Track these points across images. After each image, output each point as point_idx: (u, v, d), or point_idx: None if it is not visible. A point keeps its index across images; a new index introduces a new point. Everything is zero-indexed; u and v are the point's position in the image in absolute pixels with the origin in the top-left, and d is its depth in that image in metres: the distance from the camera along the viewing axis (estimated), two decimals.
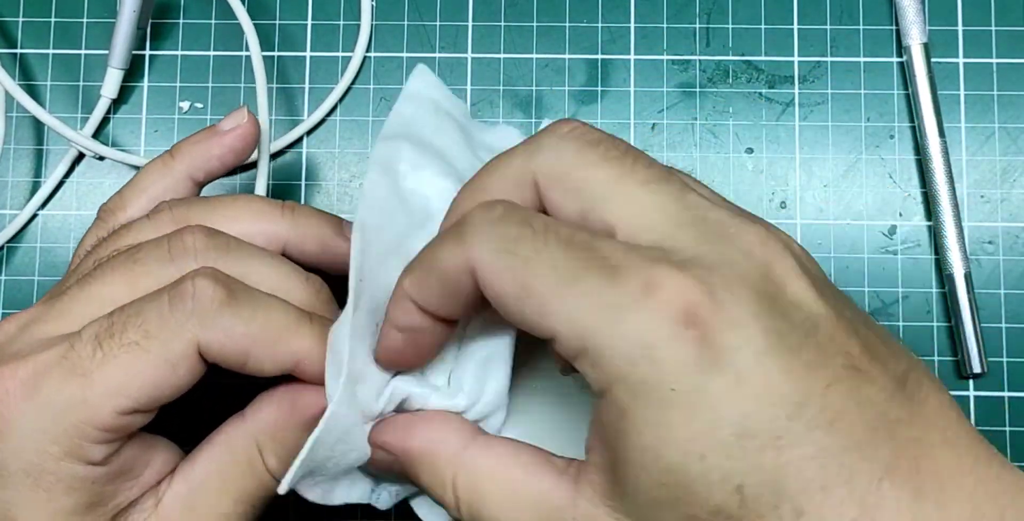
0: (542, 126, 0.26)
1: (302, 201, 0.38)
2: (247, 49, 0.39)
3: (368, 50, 0.39)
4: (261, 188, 0.36)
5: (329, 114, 0.39)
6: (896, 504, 0.20)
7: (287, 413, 0.27)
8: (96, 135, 0.38)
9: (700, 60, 0.39)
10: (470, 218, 0.23)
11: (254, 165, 0.37)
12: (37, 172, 0.39)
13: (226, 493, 0.27)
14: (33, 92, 0.37)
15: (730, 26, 0.39)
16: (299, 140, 0.38)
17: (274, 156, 0.38)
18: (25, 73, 0.39)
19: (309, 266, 0.29)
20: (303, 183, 0.38)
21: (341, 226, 0.30)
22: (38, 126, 0.39)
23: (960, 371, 0.37)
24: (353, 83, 0.39)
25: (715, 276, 0.21)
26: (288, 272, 0.28)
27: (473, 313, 0.26)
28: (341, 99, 0.39)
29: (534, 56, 0.39)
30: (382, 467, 0.27)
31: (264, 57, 0.39)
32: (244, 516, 0.27)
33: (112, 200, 0.32)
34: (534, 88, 0.39)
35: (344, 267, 0.26)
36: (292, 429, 0.27)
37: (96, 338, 0.25)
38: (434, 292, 0.24)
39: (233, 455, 0.27)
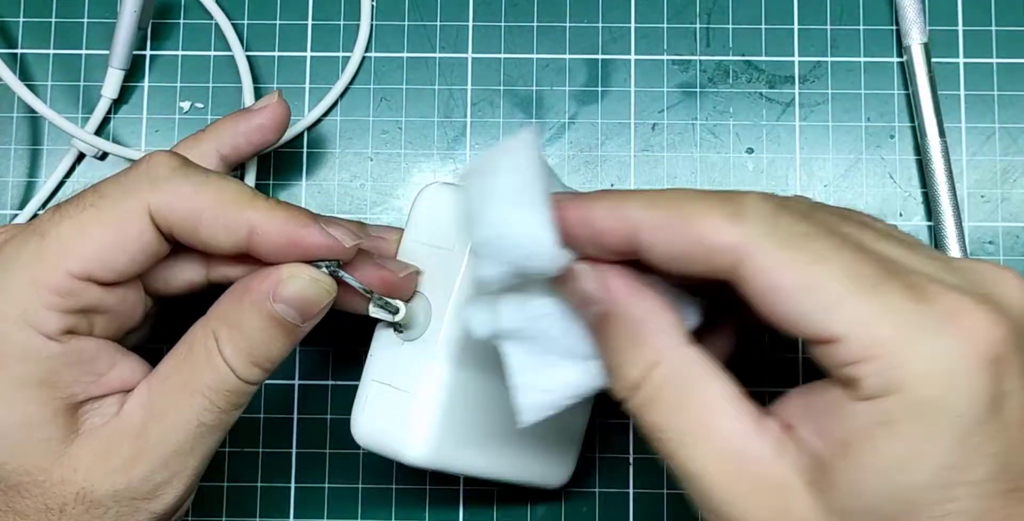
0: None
1: (302, 201, 0.38)
2: (247, 49, 0.39)
3: (369, 50, 0.39)
4: (250, 183, 0.36)
5: (327, 114, 0.39)
6: None
7: (239, 296, 0.27)
8: (97, 135, 0.38)
9: (700, 60, 0.39)
10: (749, 200, 0.22)
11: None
12: (37, 172, 0.39)
13: (183, 387, 0.27)
14: (33, 92, 0.37)
15: (730, 26, 0.39)
16: (298, 139, 0.38)
17: (274, 156, 0.38)
18: (25, 73, 0.39)
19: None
20: (303, 183, 0.38)
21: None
22: (38, 126, 0.39)
23: None
24: (352, 83, 0.39)
25: (1009, 318, 0.22)
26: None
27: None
28: (339, 99, 0.39)
29: (534, 56, 0.39)
30: (566, 287, 0.24)
31: (264, 57, 0.39)
32: (202, 412, 0.27)
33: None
34: (534, 88, 0.39)
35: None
36: (244, 311, 0.27)
37: (57, 206, 0.27)
38: (661, 243, 0.22)
39: (192, 348, 0.27)
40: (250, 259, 0.28)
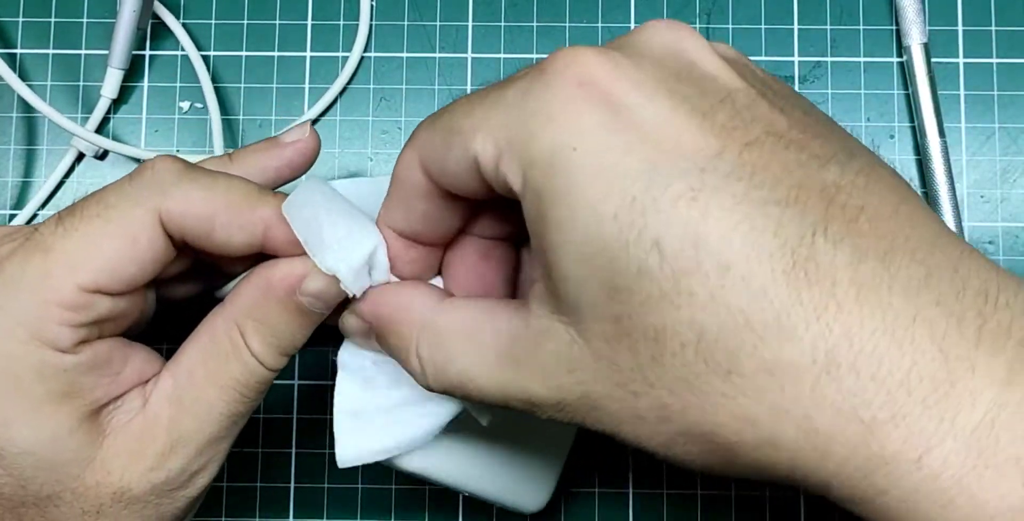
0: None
1: None
2: (247, 49, 0.39)
3: (369, 50, 0.39)
4: None
5: (325, 113, 0.39)
6: (832, 259, 0.19)
7: (263, 290, 0.27)
8: (96, 135, 0.38)
9: None
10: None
11: None
12: (37, 172, 0.39)
13: (211, 381, 0.27)
14: (33, 92, 0.37)
15: (730, 26, 0.39)
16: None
17: None
18: (25, 73, 0.39)
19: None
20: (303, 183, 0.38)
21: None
22: (38, 125, 0.39)
23: None
24: (350, 83, 0.39)
25: (617, 52, 0.21)
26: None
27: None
28: (338, 98, 0.39)
29: (534, 56, 0.39)
30: (359, 335, 0.27)
31: (264, 57, 0.39)
32: (232, 404, 0.27)
33: None
34: None
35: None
36: (271, 306, 0.27)
37: (58, 217, 0.26)
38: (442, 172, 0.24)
39: (215, 342, 0.27)
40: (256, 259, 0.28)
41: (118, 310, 0.26)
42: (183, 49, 0.38)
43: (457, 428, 0.30)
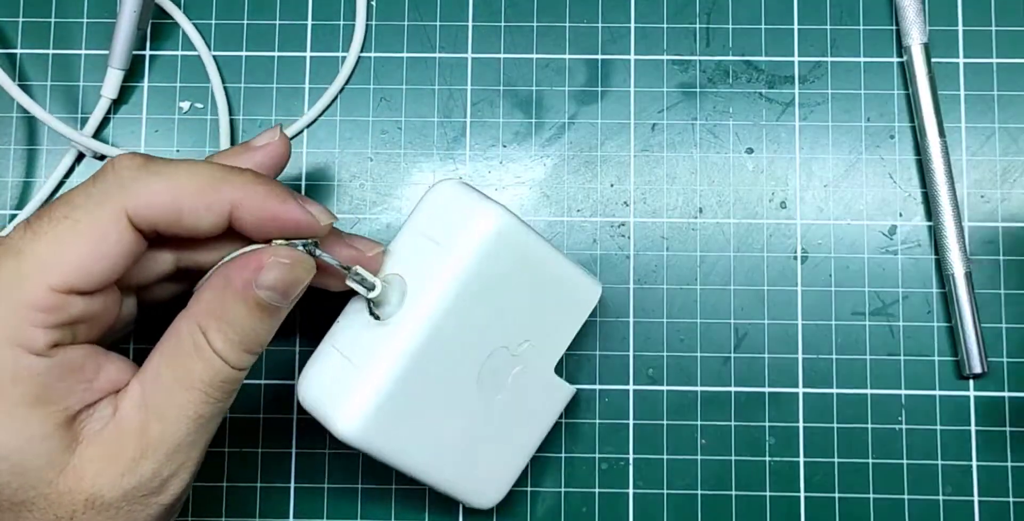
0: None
1: None
2: (247, 49, 0.39)
3: (367, 50, 0.39)
4: None
5: (323, 113, 0.39)
6: None
7: (222, 287, 0.27)
8: (96, 135, 0.38)
9: (700, 60, 0.39)
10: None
11: None
12: (37, 172, 0.39)
13: (177, 384, 0.27)
14: (33, 93, 0.37)
15: (730, 26, 0.39)
16: (298, 139, 0.38)
17: None
18: (25, 73, 0.39)
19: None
20: (303, 183, 0.38)
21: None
22: (38, 126, 0.39)
23: (960, 371, 0.37)
24: (349, 83, 0.39)
25: None
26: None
27: None
28: (337, 99, 0.39)
29: (534, 56, 0.39)
30: None
31: (265, 57, 0.39)
32: (199, 405, 0.27)
33: None
34: (534, 88, 0.39)
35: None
36: (230, 302, 0.27)
37: (27, 223, 0.26)
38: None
39: (179, 343, 0.27)
40: (221, 241, 0.28)
41: (92, 311, 0.27)
42: (185, 48, 0.38)
43: (424, 419, 0.30)
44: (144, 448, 0.27)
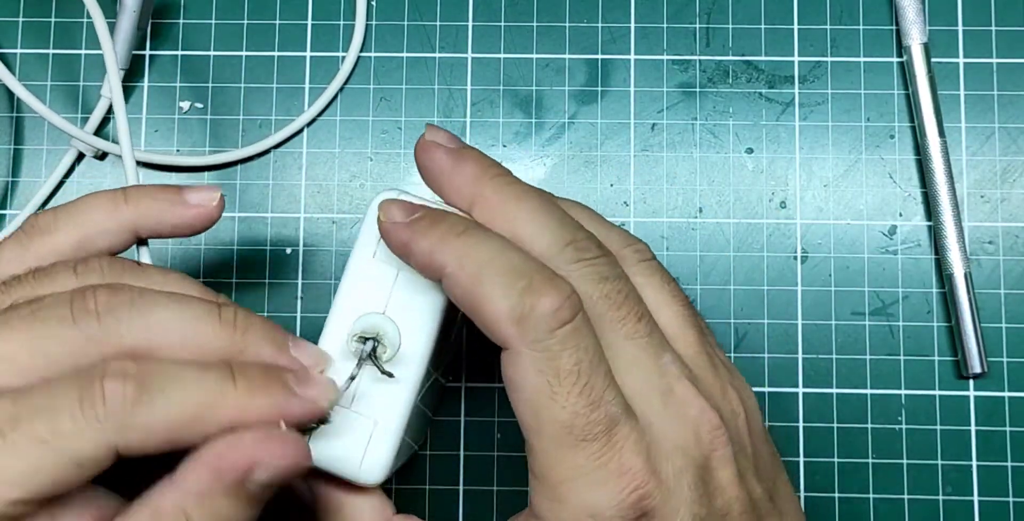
0: None
1: (302, 201, 0.38)
2: (247, 49, 0.39)
3: (367, 50, 0.39)
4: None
5: (322, 113, 0.39)
6: None
7: (212, 478, 0.25)
8: (96, 135, 0.38)
9: (700, 60, 0.39)
10: (543, 304, 0.25)
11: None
12: (37, 172, 0.39)
13: None
14: (33, 92, 0.37)
15: (730, 26, 0.39)
16: (298, 139, 0.38)
17: (274, 156, 0.38)
18: (24, 73, 0.39)
19: None
20: (303, 183, 0.38)
21: (287, 344, 0.28)
22: (38, 126, 0.39)
23: (960, 371, 0.37)
24: (349, 83, 0.39)
25: (667, 462, 0.25)
26: (198, 316, 0.26)
27: None
28: (336, 99, 0.39)
29: (534, 56, 0.39)
30: None
31: (264, 57, 0.39)
32: None
33: (44, 218, 0.29)
34: (534, 88, 0.39)
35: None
36: (218, 495, 0.25)
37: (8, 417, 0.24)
38: (455, 295, 0.27)
39: None
40: None
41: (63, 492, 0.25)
42: (185, 48, 0.38)
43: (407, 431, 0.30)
44: None
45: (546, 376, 0.25)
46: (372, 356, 0.28)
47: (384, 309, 0.28)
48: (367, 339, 0.27)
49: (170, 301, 0.26)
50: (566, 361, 0.25)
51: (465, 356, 0.37)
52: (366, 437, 0.28)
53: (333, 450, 0.29)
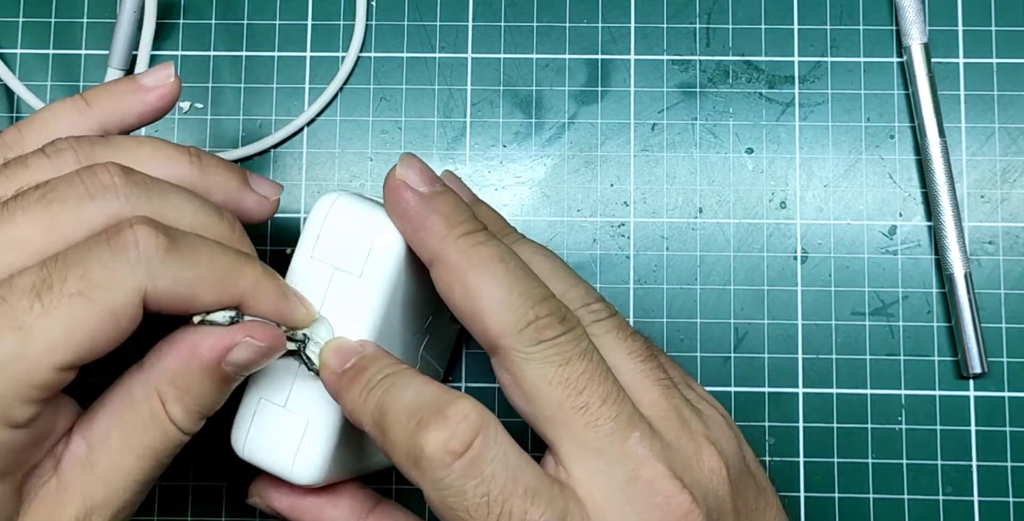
0: None
1: (302, 201, 0.38)
2: (247, 49, 0.39)
3: (367, 50, 0.39)
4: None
5: (321, 113, 0.39)
6: None
7: (187, 359, 0.26)
8: None
9: (700, 60, 0.39)
10: (430, 441, 0.25)
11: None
12: None
13: (128, 450, 0.26)
14: (33, 92, 0.37)
15: (730, 26, 0.39)
16: (298, 139, 0.38)
17: (274, 155, 0.38)
18: (25, 73, 0.39)
19: None
20: (303, 183, 0.38)
21: (247, 178, 0.30)
22: None
23: (960, 371, 0.37)
24: (349, 83, 0.39)
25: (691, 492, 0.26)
26: (204, 209, 0.27)
27: None
28: (336, 99, 0.39)
29: (534, 56, 0.39)
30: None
31: (264, 57, 0.39)
32: (149, 471, 0.26)
33: (9, 134, 0.29)
34: (534, 88, 0.39)
35: (245, 219, 0.28)
36: (194, 375, 0.26)
37: (33, 289, 0.24)
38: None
39: (133, 409, 0.26)
40: None
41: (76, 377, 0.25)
42: (185, 48, 0.38)
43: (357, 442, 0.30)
44: (88, 510, 0.26)
45: (457, 513, 0.24)
46: (300, 354, 0.28)
47: (320, 307, 0.28)
48: (296, 340, 0.28)
49: (180, 192, 0.27)
50: (472, 494, 0.24)
51: (465, 356, 0.37)
52: (299, 436, 0.28)
53: (267, 448, 0.29)
